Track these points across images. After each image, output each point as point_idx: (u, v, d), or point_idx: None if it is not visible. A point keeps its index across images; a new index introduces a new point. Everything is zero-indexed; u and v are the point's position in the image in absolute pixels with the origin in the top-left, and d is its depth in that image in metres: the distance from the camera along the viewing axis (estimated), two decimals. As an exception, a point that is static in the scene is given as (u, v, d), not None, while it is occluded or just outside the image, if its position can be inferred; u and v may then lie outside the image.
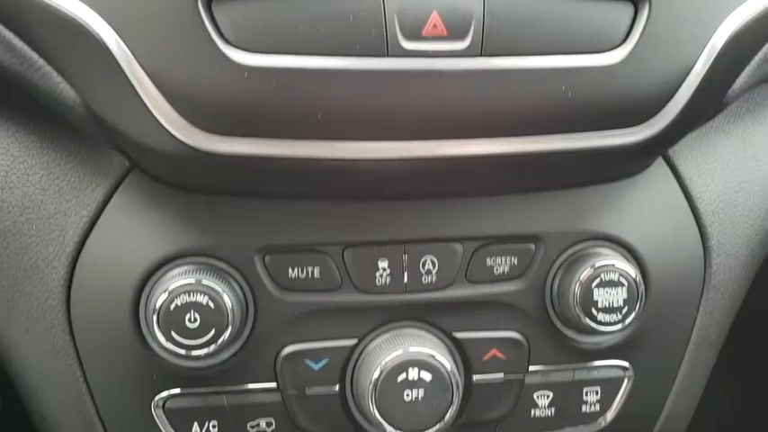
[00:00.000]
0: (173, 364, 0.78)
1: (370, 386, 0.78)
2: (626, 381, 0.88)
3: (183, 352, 0.75)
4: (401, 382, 0.78)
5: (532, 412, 0.87)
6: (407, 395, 0.78)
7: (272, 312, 0.79)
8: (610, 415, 0.89)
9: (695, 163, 0.90)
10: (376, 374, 0.78)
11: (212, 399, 0.80)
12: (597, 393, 0.88)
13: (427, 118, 0.70)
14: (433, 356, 0.79)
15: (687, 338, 0.90)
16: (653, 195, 0.88)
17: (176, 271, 0.77)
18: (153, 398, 0.80)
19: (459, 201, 0.81)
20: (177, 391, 0.80)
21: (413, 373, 0.78)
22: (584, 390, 0.87)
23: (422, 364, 0.79)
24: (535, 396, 0.86)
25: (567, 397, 0.87)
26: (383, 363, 0.78)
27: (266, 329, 0.80)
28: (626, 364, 0.88)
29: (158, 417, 0.80)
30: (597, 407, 0.88)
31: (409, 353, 0.79)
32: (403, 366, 0.78)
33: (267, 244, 0.78)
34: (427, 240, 0.81)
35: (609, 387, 0.88)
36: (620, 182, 0.86)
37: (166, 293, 0.74)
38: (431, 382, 0.79)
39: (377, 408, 0.78)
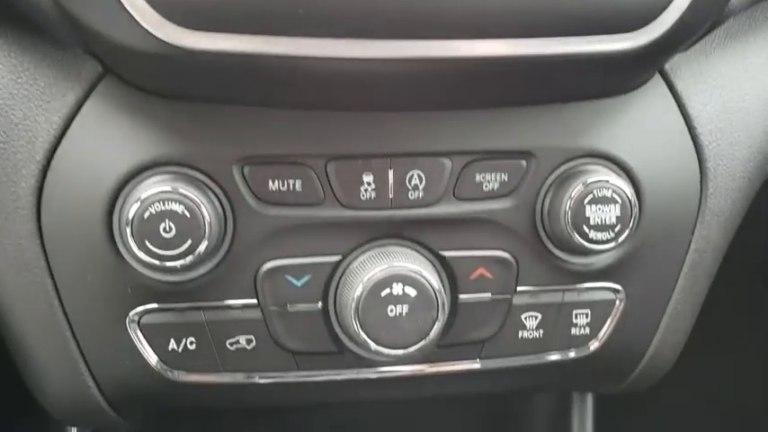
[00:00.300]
0: (148, 277, 0.75)
1: (353, 302, 0.76)
2: (617, 304, 0.86)
3: (157, 263, 0.72)
4: (385, 297, 0.76)
5: (520, 334, 0.84)
6: (391, 311, 0.76)
7: (251, 226, 0.76)
8: (599, 339, 0.86)
9: (693, 81, 0.86)
10: (359, 290, 0.76)
11: (190, 314, 0.78)
12: (587, 316, 0.85)
13: (417, 15, 0.66)
14: (419, 273, 0.76)
15: (681, 262, 0.88)
16: (649, 113, 0.84)
17: (151, 180, 0.73)
18: (128, 313, 0.77)
19: (448, 114, 0.78)
20: (153, 306, 0.77)
21: (397, 289, 0.76)
22: (574, 312, 0.85)
23: (407, 280, 0.76)
24: (523, 317, 0.84)
25: (556, 319, 0.85)
26: (367, 278, 0.76)
27: (246, 243, 0.77)
28: (618, 286, 0.85)
29: (134, 332, 0.77)
30: (587, 330, 0.86)
31: (394, 268, 0.76)
32: (387, 281, 0.76)
33: (247, 154, 0.75)
34: (414, 154, 0.78)
35: (599, 310, 0.86)
36: (615, 98, 0.83)
37: (140, 202, 0.71)
38: (415, 297, 0.76)
39: (360, 324, 0.76)
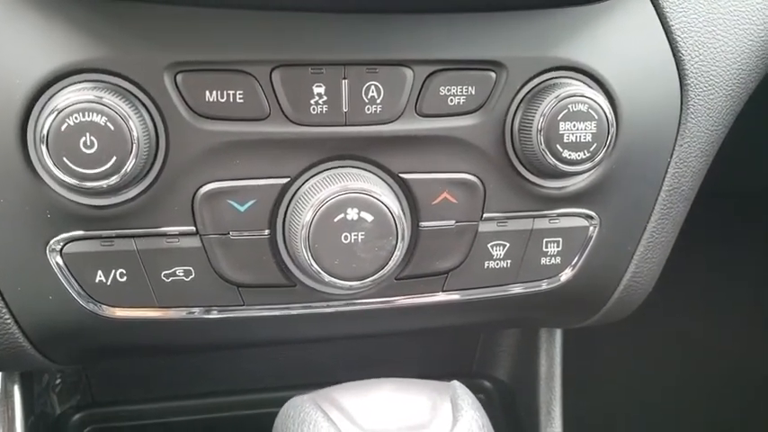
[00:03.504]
0: (69, 200, 0.66)
1: (304, 228, 0.68)
2: (591, 231, 0.80)
3: (77, 183, 0.63)
4: (338, 222, 0.68)
5: (486, 264, 0.78)
6: (345, 238, 0.69)
7: (186, 143, 0.67)
8: (571, 269, 0.80)
9: None
10: (310, 215, 0.68)
11: (119, 243, 0.69)
12: (558, 245, 0.79)
13: None
14: (377, 196, 0.69)
15: (659, 187, 0.82)
16: (628, 23, 0.77)
17: (70, 89, 0.64)
18: (48, 241, 0.68)
19: (410, 17, 0.69)
20: (77, 233, 0.68)
21: (352, 214, 0.68)
22: (545, 240, 0.79)
23: (362, 204, 0.68)
24: (489, 246, 0.77)
25: (525, 248, 0.78)
26: (318, 202, 0.68)
27: (180, 163, 0.68)
28: (592, 212, 0.79)
29: (55, 263, 0.68)
30: (558, 260, 0.79)
31: (348, 191, 0.68)
32: (341, 205, 0.68)
33: (178, 59, 0.65)
34: (372, 63, 0.69)
35: (572, 238, 0.79)
36: (592, 6, 0.75)
37: (56, 113, 0.62)
38: (372, 223, 0.69)
39: (311, 253, 0.68)
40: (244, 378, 0.98)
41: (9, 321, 0.71)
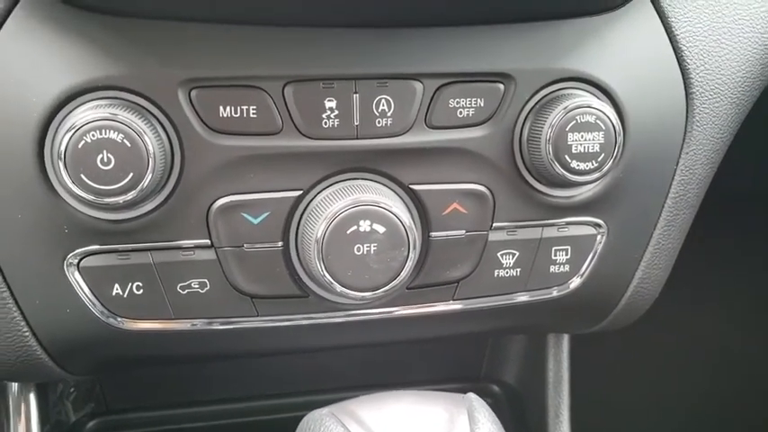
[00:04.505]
0: (86, 215, 0.67)
1: (317, 240, 0.69)
2: (599, 239, 0.81)
3: (94, 198, 0.64)
4: (351, 234, 0.69)
5: (496, 273, 0.79)
6: (358, 249, 0.70)
7: (201, 157, 0.69)
8: (580, 277, 0.81)
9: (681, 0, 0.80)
10: (323, 227, 0.69)
11: (135, 256, 0.70)
12: (567, 253, 0.80)
13: None
14: (388, 207, 0.70)
15: (665, 194, 0.83)
16: (634, 34, 0.78)
17: (86, 106, 0.65)
18: (66, 255, 0.69)
19: (419, 31, 0.70)
20: (94, 247, 0.69)
21: (364, 225, 0.69)
22: (553, 249, 0.80)
23: (374, 216, 0.69)
24: (499, 255, 0.78)
25: (535, 256, 0.79)
26: (331, 214, 0.69)
27: (196, 177, 0.69)
28: (599, 221, 0.80)
29: (72, 277, 0.70)
30: (567, 267, 0.80)
31: (360, 203, 0.69)
32: (353, 218, 0.69)
33: (193, 75, 0.67)
34: (382, 77, 0.70)
35: (580, 246, 0.80)
36: (598, 18, 0.76)
37: (74, 130, 0.63)
38: (384, 235, 0.70)
39: (324, 264, 0.69)
40: (257, 384, 0.99)
41: (27, 334, 0.72)
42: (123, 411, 0.97)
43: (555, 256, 0.80)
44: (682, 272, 0.92)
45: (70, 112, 0.65)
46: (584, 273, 0.81)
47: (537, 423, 1.06)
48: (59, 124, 0.65)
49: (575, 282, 0.81)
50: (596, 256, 0.81)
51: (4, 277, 0.70)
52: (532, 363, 1.07)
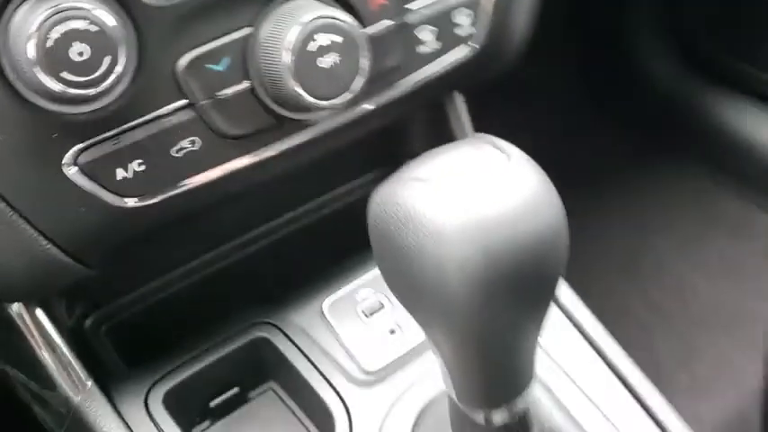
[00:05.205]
0: (70, 114, 0.68)
1: (281, 65, 0.75)
2: None
3: (75, 93, 0.65)
4: (313, 51, 0.75)
5: (418, 49, 0.88)
6: (321, 63, 0.76)
7: (152, 22, 0.70)
8: (483, 31, 0.93)
9: None
10: (284, 52, 0.74)
11: (126, 137, 0.73)
12: (470, 16, 0.91)
13: None
14: (336, 17, 0.76)
15: None
16: None
17: (25, 7, 0.64)
18: (60, 161, 0.70)
19: None
20: (86, 143, 0.71)
21: (322, 39, 0.75)
22: (457, 12, 0.89)
23: (328, 28, 0.76)
24: (417, 33, 0.88)
25: (447, 24, 0.89)
26: (288, 39, 0.74)
27: (153, 43, 0.71)
28: None
29: (76, 178, 0.71)
30: (473, 29, 0.91)
31: (313, 21, 0.75)
32: (309, 34, 0.75)
33: None
34: None
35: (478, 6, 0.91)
36: None
37: (36, 31, 0.62)
38: (341, 43, 0.76)
39: (294, 85, 0.75)
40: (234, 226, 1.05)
41: (49, 247, 0.74)
42: (113, 299, 1.00)
43: (458, 19, 0.90)
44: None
45: (10, 18, 0.64)
46: (485, 28, 0.93)
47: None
48: (6, 32, 0.64)
49: (478, 38, 0.93)
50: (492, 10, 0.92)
51: (10, 205, 0.70)
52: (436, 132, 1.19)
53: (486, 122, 1.05)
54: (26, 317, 0.86)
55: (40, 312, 0.86)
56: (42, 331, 0.87)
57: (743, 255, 2.09)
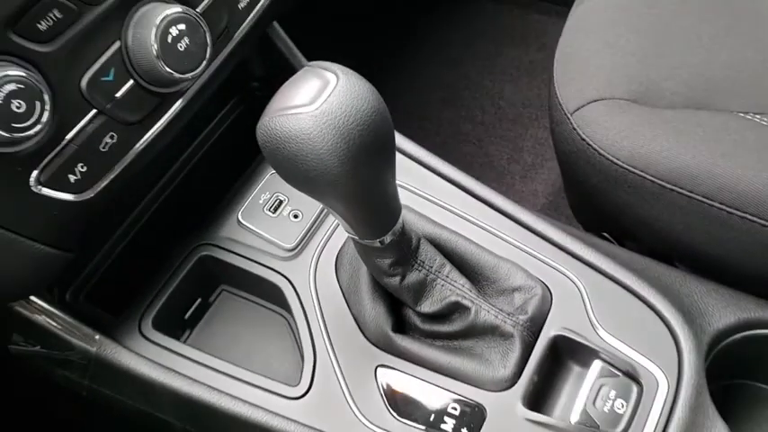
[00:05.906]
0: (22, 151, 0.92)
1: (154, 59, 1.00)
2: None
3: (23, 135, 0.88)
4: (171, 40, 1.00)
5: (240, 5, 1.15)
6: (180, 46, 1.02)
7: (54, 64, 0.93)
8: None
9: None
10: (154, 51, 1.00)
11: (66, 151, 0.96)
12: None
13: None
14: (177, 11, 1.01)
15: None
16: None
17: None
18: (29, 183, 0.94)
19: None
20: (41, 166, 0.95)
21: (175, 30, 1.01)
22: None
23: (178, 20, 1.01)
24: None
25: None
26: (153, 41, 0.98)
27: (61, 78, 0.94)
28: None
29: (41, 192, 0.95)
30: None
31: (162, 21, 1.00)
32: (167, 29, 1.00)
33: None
34: None
35: None
36: None
37: None
38: (188, 29, 1.02)
39: (164, 69, 1.00)
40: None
41: (39, 246, 0.99)
42: (80, 272, 1.26)
43: None
44: None
45: None
46: None
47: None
48: None
49: None
50: None
51: (3, 227, 0.94)
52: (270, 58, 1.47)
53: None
54: (28, 306, 1.12)
55: (35, 299, 1.13)
56: (45, 311, 1.13)
57: (532, 57, 2.51)
